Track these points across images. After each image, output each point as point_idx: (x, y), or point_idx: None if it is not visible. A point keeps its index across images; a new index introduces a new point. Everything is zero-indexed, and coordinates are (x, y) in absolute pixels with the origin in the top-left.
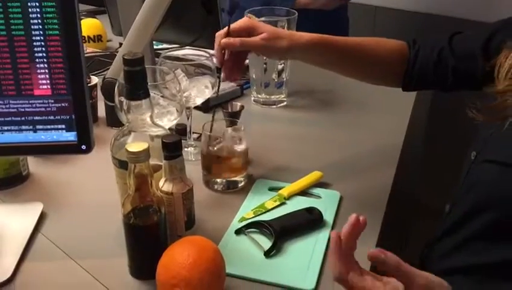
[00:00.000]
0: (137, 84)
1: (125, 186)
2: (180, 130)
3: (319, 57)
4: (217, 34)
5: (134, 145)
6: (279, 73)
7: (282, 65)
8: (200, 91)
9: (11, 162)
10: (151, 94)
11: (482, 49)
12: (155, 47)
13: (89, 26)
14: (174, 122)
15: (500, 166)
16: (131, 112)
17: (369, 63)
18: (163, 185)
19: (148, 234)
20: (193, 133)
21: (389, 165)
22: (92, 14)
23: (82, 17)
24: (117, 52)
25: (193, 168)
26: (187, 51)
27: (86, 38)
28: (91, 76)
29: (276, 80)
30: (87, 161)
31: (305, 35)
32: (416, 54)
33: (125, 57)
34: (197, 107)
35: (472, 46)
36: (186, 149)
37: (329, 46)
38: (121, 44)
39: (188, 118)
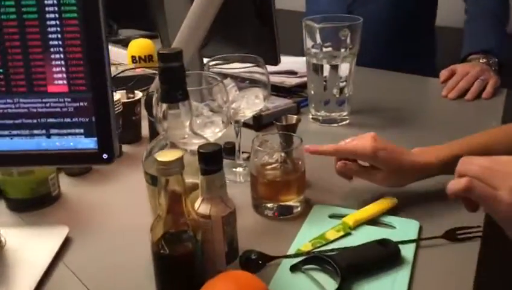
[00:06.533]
0: (174, 84)
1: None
2: (228, 149)
3: None
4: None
5: (166, 154)
6: (341, 90)
7: (345, 83)
8: (250, 102)
9: (39, 180)
10: (195, 103)
11: None
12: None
13: (140, 46)
14: (219, 134)
15: None
16: (168, 118)
17: None
18: (200, 206)
19: (181, 265)
20: (243, 152)
21: None
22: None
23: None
24: None
25: (242, 191)
26: (238, 67)
27: (137, 59)
28: (135, 91)
29: (337, 97)
30: (125, 181)
31: (431, 161)
32: None
33: (161, 52)
34: (248, 125)
35: None
36: (234, 169)
37: None
38: None
39: (236, 135)
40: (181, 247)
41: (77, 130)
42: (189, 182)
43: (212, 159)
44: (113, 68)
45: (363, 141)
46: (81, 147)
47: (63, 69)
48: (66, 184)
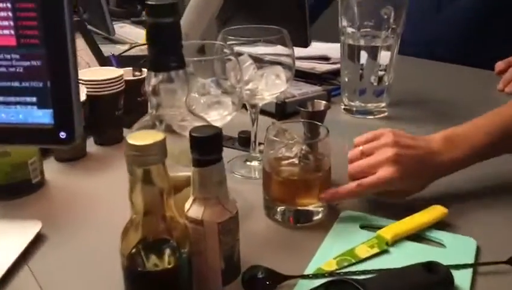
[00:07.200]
0: (165, 47)
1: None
2: (243, 139)
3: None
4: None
5: (142, 136)
6: (380, 78)
7: (384, 72)
8: (270, 83)
9: (15, 163)
10: (201, 80)
11: None
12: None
13: None
14: (228, 118)
15: None
16: (160, 93)
17: None
18: (190, 207)
19: (160, 285)
20: (259, 143)
21: None
22: None
23: None
24: None
25: (255, 189)
26: (262, 49)
27: None
28: (143, 69)
29: (375, 85)
30: (121, 170)
31: (461, 156)
32: None
33: (148, 3)
34: (270, 113)
35: None
36: (248, 163)
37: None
38: None
39: (253, 123)
40: (161, 262)
41: (28, 99)
42: (183, 175)
43: (208, 146)
44: (126, 47)
45: (383, 163)
46: (32, 121)
47: (9, 14)
48: (53, 170)
